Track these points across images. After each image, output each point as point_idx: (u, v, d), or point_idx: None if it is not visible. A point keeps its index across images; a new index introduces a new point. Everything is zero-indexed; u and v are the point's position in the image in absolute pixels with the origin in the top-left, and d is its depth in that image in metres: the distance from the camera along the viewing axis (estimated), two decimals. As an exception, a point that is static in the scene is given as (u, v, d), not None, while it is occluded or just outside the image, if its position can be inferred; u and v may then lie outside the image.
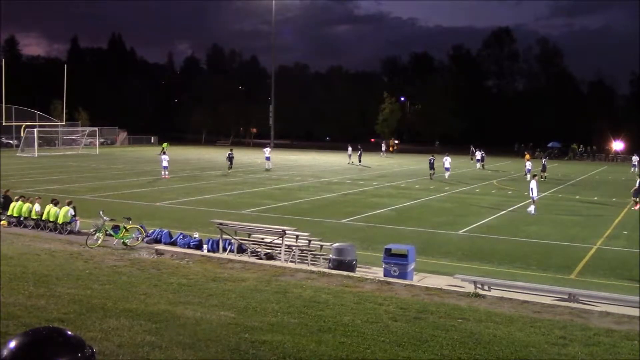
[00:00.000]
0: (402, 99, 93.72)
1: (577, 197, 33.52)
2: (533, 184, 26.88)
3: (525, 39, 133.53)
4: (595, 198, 32.56)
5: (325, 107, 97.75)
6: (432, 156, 45.04)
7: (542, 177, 43.13)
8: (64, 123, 71.63)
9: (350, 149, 57.86)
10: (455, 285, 13.66)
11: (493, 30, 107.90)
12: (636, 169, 54.35)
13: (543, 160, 46.79)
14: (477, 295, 12.81)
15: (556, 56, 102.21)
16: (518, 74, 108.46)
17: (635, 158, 56.61)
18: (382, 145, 73.37)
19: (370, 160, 59.26)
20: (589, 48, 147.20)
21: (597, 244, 20.06)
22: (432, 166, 42.75)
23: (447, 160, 44.40)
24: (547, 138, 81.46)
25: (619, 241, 20.84)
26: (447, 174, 43.24)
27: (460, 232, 21.97)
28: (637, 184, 29.13)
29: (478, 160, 53.90)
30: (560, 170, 53.84)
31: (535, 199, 26.63)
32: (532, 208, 26.39)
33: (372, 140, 79.81)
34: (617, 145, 77.48)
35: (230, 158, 44.18)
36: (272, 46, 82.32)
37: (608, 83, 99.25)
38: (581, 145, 78.27)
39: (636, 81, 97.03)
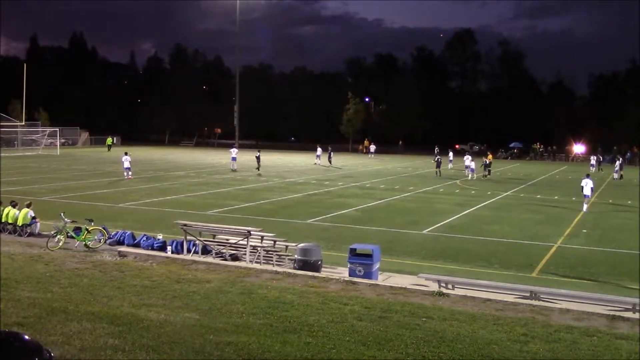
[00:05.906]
0: (367, 99, 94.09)
1: (539, 196, 34.08)
2: (586, 182, 27.61)
3: (488, 41, 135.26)
4: (556, 197, 33.15)
5: (290, 108, 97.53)
6: (439, 157, 48.55)
7: (485, 175, 44.15)
8: (23, 123, 70.10)
9: (319, 149, 57.03)
10: (419, 285, 13.77)
11: (455, 32, 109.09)
12: (594, 168, 55.50)
13: (485, 160, 46.93)
14: (441, 294, 12.94)
15: (517, 58, 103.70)
16: (480, 75, 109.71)
17: (593, 158, 57.88)
18: (371, 147, 73.58)
19: (357, 161, 59.03)
20: (549, 50, 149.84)
21: (558, 243, 20.44)
22: (439, 165, 45.59)
23: (468, 159, 45.26)
24: (508, 138, 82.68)
25: (578, 239, 21.27)
26: (474, 175, 43.75)
27: (424, 231, 22.16)
28: None
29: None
30: (522, 170, 54.73)
31: (589, 196, 27.38)
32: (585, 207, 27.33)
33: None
34: (579, 148, 78.79)
35: (258, 158, 46.86)
36: (237, 46, 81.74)
37: (567, 84, 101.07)
38: (542, 146, 79.61)
39: (594, 83, 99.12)
